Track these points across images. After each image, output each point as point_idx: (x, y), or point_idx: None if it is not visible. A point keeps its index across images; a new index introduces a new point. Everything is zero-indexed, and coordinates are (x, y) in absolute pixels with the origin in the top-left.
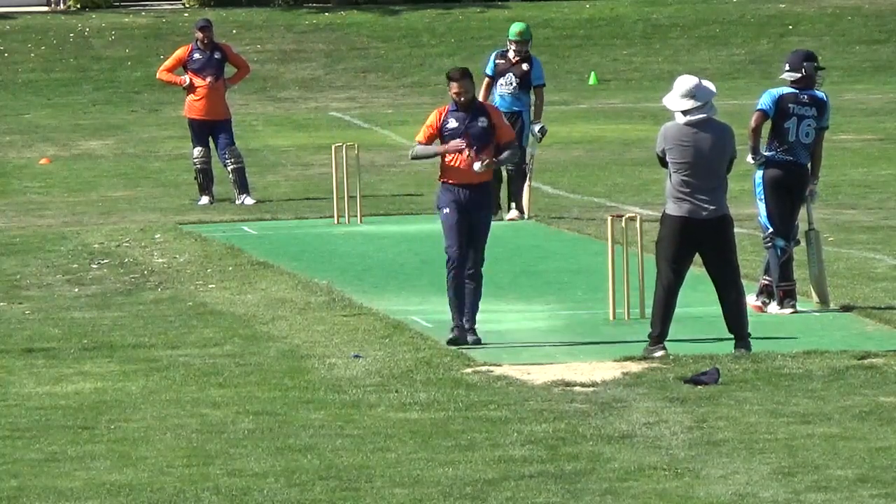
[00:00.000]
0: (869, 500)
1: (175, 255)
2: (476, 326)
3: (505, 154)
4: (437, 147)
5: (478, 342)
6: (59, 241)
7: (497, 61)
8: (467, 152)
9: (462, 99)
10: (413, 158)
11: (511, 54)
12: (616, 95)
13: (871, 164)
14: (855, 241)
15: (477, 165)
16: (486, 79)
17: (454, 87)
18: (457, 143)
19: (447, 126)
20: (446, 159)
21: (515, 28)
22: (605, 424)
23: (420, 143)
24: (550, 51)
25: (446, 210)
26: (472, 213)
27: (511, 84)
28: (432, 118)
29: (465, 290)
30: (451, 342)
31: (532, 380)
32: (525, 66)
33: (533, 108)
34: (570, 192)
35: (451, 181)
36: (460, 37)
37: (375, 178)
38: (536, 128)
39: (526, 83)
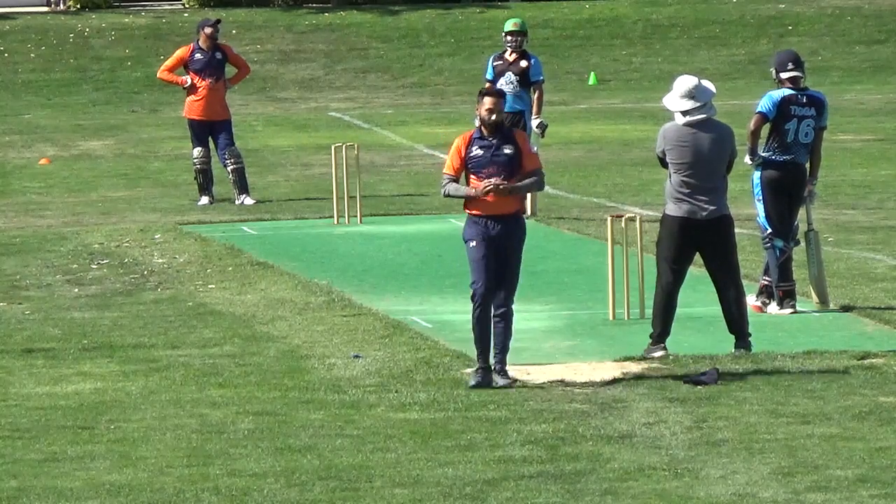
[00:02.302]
0: (869, 500)
1: (175, 256)
2: (508, 368)
3: (527, 181)
4: (468, 190)
5: (510, 385)
6: (59, 242)
7: (495, 63)
8: (495, 180)
9: (493, 118)
10: (445, 196)
11: (507, 50)
12: (616, 95)
13: (871, 164)
14: (855, 242)
15: (483, 184)
16: (488, 84)
17: (487, 101)
18: (487, 185)
19: (472, 155)
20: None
21: (511, 20)
22: (605, 424)
23: (448, 175)
24: (550, 51)
25: (472, 243)
26: (502, 245)
27: (511, 83)
28: (457, 146)
29: (490, 328)
30: (475, 387)
31: (532, 380)
32: (524, 63)
33: (534, 104)
34: (570, 192)
35: (477, 212)
36: (460, 37)
37: (375, 178)
38: (535, 123)
39: (526, 80)
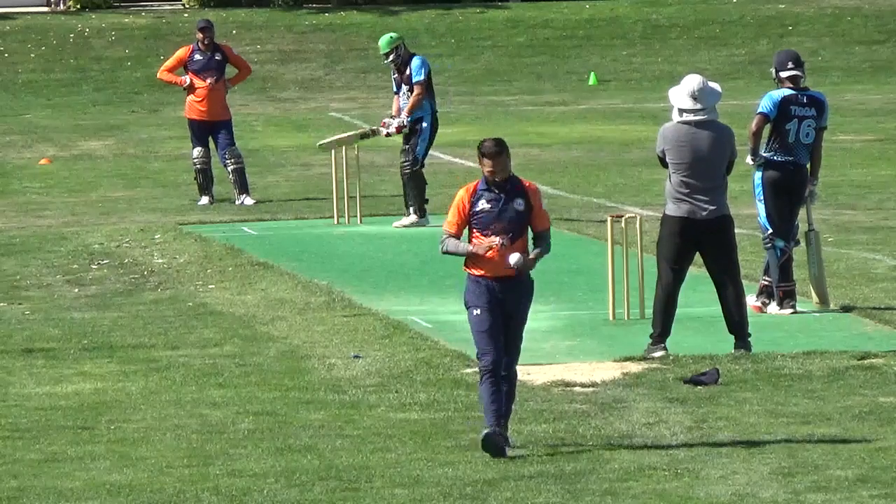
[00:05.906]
0: (869, 501)
1: (175, 256)
2: (508, 434)
3: (538, 250)
4: (468, 246)
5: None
6: (59, 242)
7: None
8: (499, 241)
9: (497, 179)
10: (444, 253)
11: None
12: (616, 96)
13: (871, 164)
14: (855, 242)
15: (514, 258)
16: None
17: (487, 164)
18: (491, 242)
19: (477, 209)
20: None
21: (379, 41)
22: (605, 424)
23: (450, 234)
24: (550, 51)
25: (476, 311)
26: (509, 308)
27: (404, 94)
28: (460, 199)
29: (500, 395)
30: (486, 438)
31: (532, 380)
32: (407, 72)
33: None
34: (570, 192)
35: (478, 273)
36: (460, 37)
37: (375, 179)
38: (397, 120)
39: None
